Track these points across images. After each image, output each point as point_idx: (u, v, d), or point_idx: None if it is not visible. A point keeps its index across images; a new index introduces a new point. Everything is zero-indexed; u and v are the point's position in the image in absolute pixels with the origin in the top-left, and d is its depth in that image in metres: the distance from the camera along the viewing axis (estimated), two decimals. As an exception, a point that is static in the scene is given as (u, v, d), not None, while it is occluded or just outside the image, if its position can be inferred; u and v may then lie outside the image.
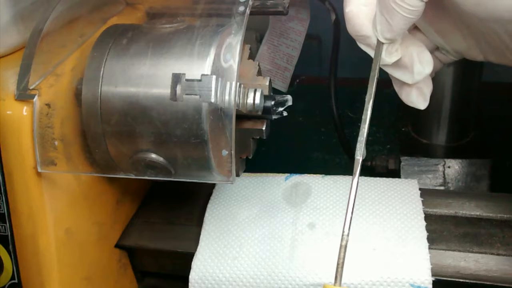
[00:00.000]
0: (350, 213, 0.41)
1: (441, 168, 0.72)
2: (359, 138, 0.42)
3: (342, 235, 0.41)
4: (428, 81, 0.46)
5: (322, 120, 0.90)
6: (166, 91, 0.45)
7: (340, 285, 0.40)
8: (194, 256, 0.55)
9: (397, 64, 0.44)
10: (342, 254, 0.40)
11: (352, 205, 0.41)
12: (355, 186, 0.41)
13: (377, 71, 0.43)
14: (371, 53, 0.44)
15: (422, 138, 0.79)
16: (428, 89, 0.46)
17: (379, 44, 0.43)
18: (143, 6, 0.61)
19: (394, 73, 0.45)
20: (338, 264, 0.40)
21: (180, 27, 0.49)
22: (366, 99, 0.42)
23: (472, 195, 0.59)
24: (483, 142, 0.77)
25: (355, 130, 0.42)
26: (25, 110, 0.47)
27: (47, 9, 0.50)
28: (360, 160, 0.42)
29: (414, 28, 0.47)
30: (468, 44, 0.45)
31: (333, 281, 0.41)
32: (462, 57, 0.48)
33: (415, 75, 0.44)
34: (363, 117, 0.42)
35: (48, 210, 0.49)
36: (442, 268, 0.52)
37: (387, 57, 0.43)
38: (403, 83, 0.46)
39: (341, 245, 0.40)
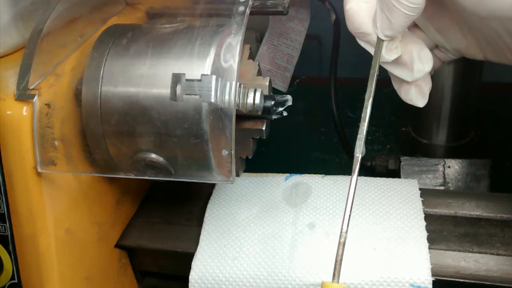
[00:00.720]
0: (349, 210, 0.41)
1: (441, 168, 0.72)
2: (358, 136, 0.42)
3: (341, 232, 0.40)
4: (427, 79, 0.46)
5: (322, 120, 0.90)
6: (166, 91, 0.45)
7: (338, 282, 0.40)
8: (194, 256, 0.55)
9: (396, 61, 0.44)
10: (340, 251, 0.40)
11: (351, 202, 0.41)
12: (354, 183, 0.41)
13: (377, 68, 0.43)
14: (371, 51, 0.44)
15: (422, 138, 0.79)
16: (427, 87, 0.46)
17: (379, 41, 0.43)
18: (143, 6, 0.61)
19: (394, 70, 0.45)
20: (336, 261, 0.40)
21: (180, 27, 0.49)
22: (366, 97, 0.42)
23: (472, 195, 0.59)
24: (483, 142, 0.78)
25: (355, 130, 0.42)
26: (25, 110, 0.47)
27: (47, 9, 0.50)
28: (360, 158, 0.42)
29: (414, 26, 0.47)
30: (467, 43, 0.45)
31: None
32: (462, 55, 0.48)
33: (414, 73, 0.44)
34: (362, 114, 0.42)
35: (48, 210, 0.49)
36: (442, 268, 0.52)
37: (387, 55, 0.43)
38: (402, 81, 0.46)
39: (339, 242, 0.40)
